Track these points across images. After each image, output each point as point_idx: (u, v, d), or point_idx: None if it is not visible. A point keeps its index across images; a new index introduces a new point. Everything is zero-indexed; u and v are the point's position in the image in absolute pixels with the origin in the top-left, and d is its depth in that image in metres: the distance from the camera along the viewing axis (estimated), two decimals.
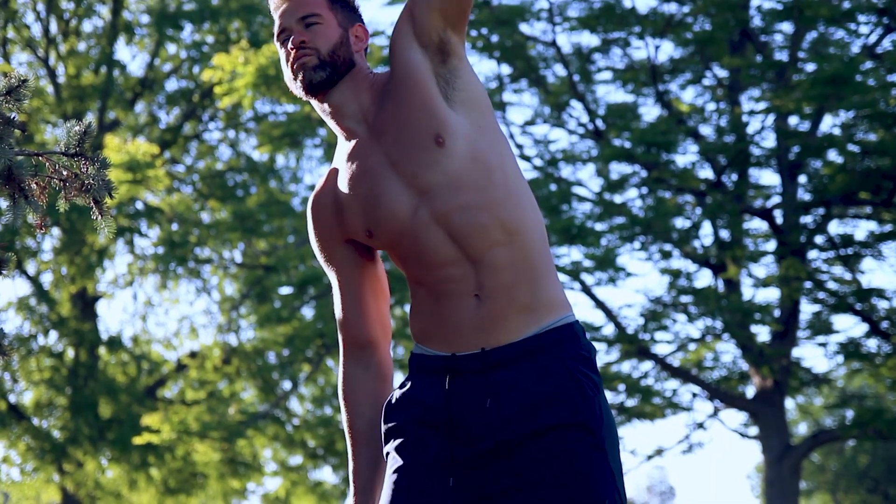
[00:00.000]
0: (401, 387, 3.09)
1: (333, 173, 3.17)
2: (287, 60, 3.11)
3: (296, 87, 3.10)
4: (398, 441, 3.04)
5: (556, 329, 3.00)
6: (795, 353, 14.08)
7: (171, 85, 19.66)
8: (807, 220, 13.83)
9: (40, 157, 2.81)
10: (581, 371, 2.98)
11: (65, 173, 2.83)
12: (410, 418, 3.03)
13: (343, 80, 3.11)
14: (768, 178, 25.11)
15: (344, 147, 3.15)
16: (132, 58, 21.66)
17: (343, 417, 3.18)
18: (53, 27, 18.96)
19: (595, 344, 14.21)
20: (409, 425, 3.03)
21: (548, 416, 2.93)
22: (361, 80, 3.13)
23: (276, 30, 3.17)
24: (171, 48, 19.52)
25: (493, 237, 2.98)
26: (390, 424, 3.06)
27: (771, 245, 14.26)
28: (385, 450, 3.07)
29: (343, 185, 3.11)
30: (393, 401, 3.08)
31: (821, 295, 13.78)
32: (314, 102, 3.13)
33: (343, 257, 3.17)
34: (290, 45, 3.10)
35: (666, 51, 28.64)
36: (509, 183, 3.03)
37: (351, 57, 3.13)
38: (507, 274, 2.97)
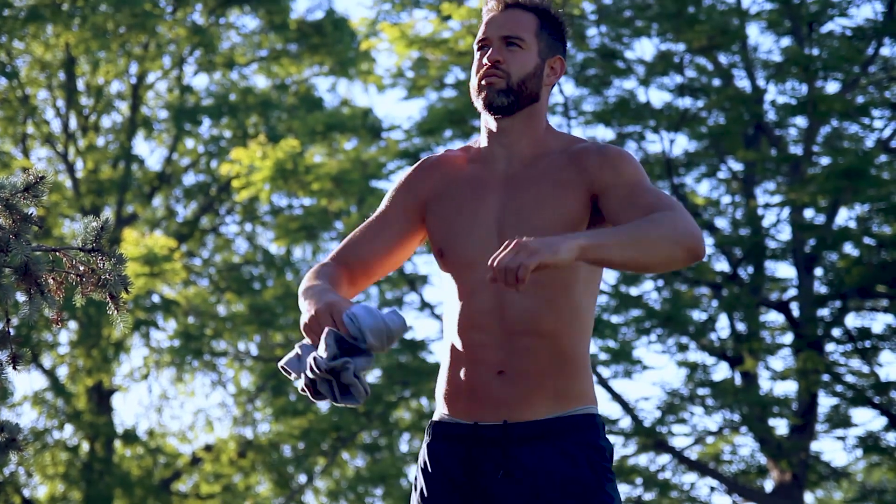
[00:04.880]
0: (426, 454, 3.09)
1: (458, 163, 3.17)
2: (477, 71, 3.10)
3: (476, 99, 3.09)
4: None
5: (578, 416, 3.00)
6: (814, 446, 13.96)
7: (189, 179, 19.79)
8: (823, 312, 13.80)
9: (57, 253, 2.83)
10: (598, 462, 2.99)
11: (81, 268, 2.85)
12: (441, 492, 3.03)
13: (522, 111, 3.10)
14: (784, 270, 25.22)
15: (478, 159, 3.15)
16: (150, 152, 21.85)
17: (303, 288, 3.05)
18: (73, 123, 19.14)
19: (612, 437, 14.13)
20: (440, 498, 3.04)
21: (560, 498, 2.94)
22: (537, 121, 3.13)
23: (479, 33, 3.14)
24: (189, 143, 19.68)
25: (538, 328, 2.99)
26: (422, 492, 3.06)
27: (788, 338, 14.21)
28: None
29: (455, 191, 3.12)
30: (423, 466, 3.07)
31: (839, 388, 13.71)
32: (482, 110, 3.12)
33: (400, 211, 3.17)
34: (485, 60, 3.09)
35: (681, 144, 28.74)
36: (582, 315, 3.03)
37: (538, 91, 3.12)
38: (535, 363, 2.99)
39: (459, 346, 3.04)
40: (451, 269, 3.08)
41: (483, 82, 3.07)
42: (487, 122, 3.13)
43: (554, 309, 3.00)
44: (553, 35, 3.15)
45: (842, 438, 13.88)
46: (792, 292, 14.26)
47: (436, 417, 3.10)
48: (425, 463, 3.07)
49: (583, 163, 3.05)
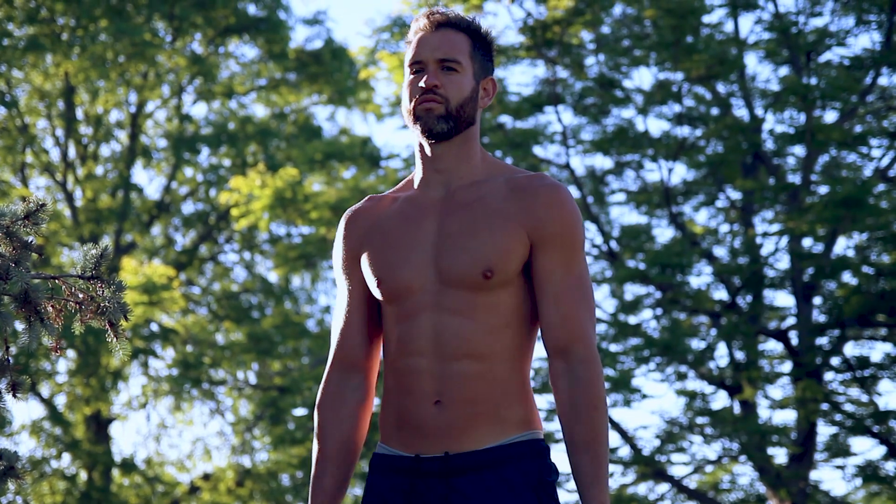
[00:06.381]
0: (366, 491, 3.05)
1: (385, 202, 3.13)
2: (412, 95, 3.04)
3: (411, 125, 3.05)
4: None
5: (521, 443, 2.96)
6: (813, 475, 13.92)
7: (188, 207, 19.82)
8: (822, 341, 13.79)
9: (56, 280, 2.83)
10: (542, 491, 2.95)
11: (81, 296, 2.85)
12: None
13: (459, 135, 3.05)
14: (783, 299, 25.20)
15: (413, 190, 3.11)
16: (149, 181, 21.89)
17: (316, 432, 3.11)
18: (72, 152, 19.17)
19: (611, 466, 14.10)
20: None
21: None
22: (472, 145, 3.08)
23: (410, 54, 3.07)
24: (188, 171, 19.71)
25: (474, 352, 2.96)
26: None
27: (786, 366, 14.20)
28: None
29: (387, 224, 3.08)
30: (366, 502, 3.04)
31: (838, 417, 13.69)
32: (420, 136, 3.07)
33: (361, 277, 3.13)
34: (421, 84, 3.02)
35: (679, 173, 28.74)
36: (522, 339, 3.02)
37: (474, 114, 3.06)
38: (472, 390, 2.95)
39: (396, 373, 3.00)
40: (389, 297, 3.03)
41: (420, 108, 3.02)
42: (423, 147, 3.08)
43: (492, 333, 2.96)
44: (485, 55, 3.10)
45: (841, 467, 13.86)
46: (791, 321, 14.26)
47: (378, 449, 3.06)
48: (368, 499, 3.03)
49: (527, 203, 3.01)
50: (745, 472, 14.47)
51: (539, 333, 3.05)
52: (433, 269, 2.99)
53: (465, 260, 2.96)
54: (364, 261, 3.09)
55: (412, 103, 3.03)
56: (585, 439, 2.93)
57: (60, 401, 18.69)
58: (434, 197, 3.06)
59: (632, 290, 14.49)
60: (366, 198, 3.18)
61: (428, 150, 3.07)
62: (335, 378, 3.11)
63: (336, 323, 3.14)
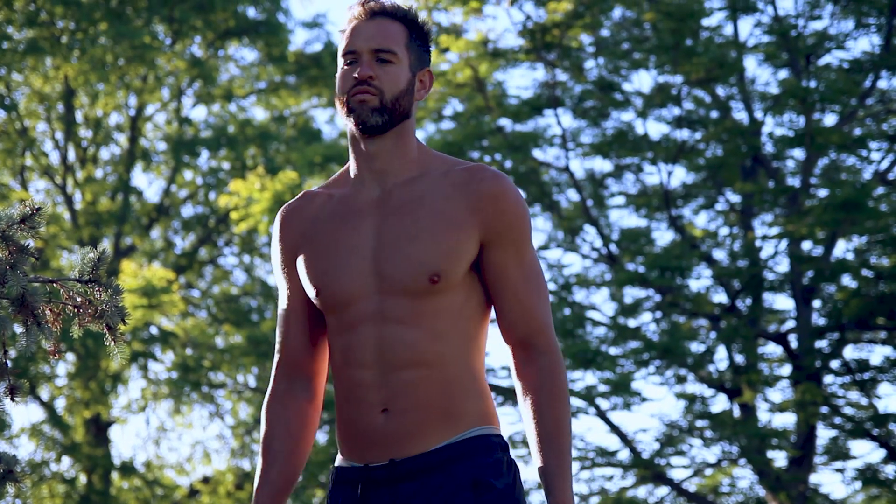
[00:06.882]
0: (327, 500, 2.99)
1: (319, 200, 3.03)
2: (345, 87, 2.93)
3: (344, 117, 2.94)
4: None
5: (469, 439, 2.88)
6: (813, 478, 13.92)
7: (187, 211, 19.82)
8: (822, 344, 13.79)
9: (54, 284, 2.83)
10: (486, 485, 2.86)
11: (79, 300, 2.84)
12: None
13: (393, 129, 2.93)
14: (782, 302, 25.21)
15: (348, 184, 3.01)
16: (149, 184, 21.91)
17: (263, 431, 3.04)
18: (71, 155, 19.17)
19: (610, 469, 14.11)
20: None
21: None
22: (408, 139, 2.97)
23: (343, 44, 2.96)
24: (188, 174, 19.71)
25: (421, 359, 2.88)
26: None
27: (786, 370, 14.20)
28: None
29: (322, 227, 2.99)
30: None
31: (837, 420, 13.69)
32: (354, 131, 2.96)
33: (299, 280, 3.02)
34: (355, 74, 2.91)
35: (678, 176, 28.80)
36: (473, 339, 2.94)
37: (410, 107, 2.95)
38: (420, 396, 2.87)
39: (343, 384, 2.92)
40: (329, 308, 2.94)
41: (354, 100, 2.91)
42: (356, 142, 2.97)
43: (439, 338, 2.87)
44: (422, 46, 2.99)
45: (840, 471, 13.85)
46: (790, 324, 14.25)
47: (336, 462, 2.99)
48: None
49: (474, 199, 2.90)
50: (745, 476, 14.47)
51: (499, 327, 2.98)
52: (374, 276, 2.89)
53: (410, 266, 2.86)
54: (301, 266, 2.99)
55: (345, 95, 2.93)
56: (549, 430, 2.85)
57: (60, 404, 18.69)
58: (370, 196, 2.95)
59: (631, 294, 14.50)
60: (300, 194, 3.06)
61: (362, 145, 2.96)
62: (281, 381, 3.04)
63: (279, 326, 3.06)
